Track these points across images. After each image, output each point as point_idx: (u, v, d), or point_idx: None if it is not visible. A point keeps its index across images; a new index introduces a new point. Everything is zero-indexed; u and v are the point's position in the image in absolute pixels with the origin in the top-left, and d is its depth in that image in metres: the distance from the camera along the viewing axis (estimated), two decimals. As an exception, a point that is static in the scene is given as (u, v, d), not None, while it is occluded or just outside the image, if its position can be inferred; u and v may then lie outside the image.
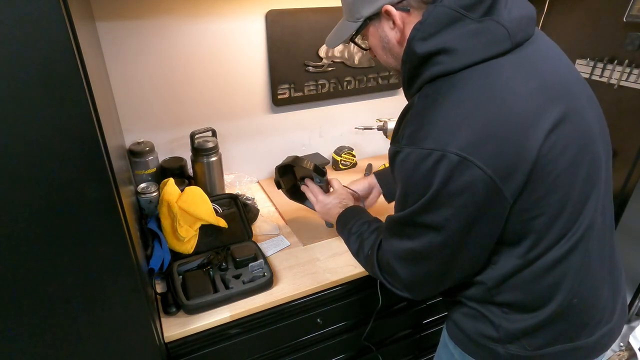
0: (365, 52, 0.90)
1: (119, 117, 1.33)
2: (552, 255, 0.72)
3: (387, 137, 1.53)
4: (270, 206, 1.48)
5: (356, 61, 1.60)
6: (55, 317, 0.72)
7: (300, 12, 1.42)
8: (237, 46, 1.40)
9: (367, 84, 1.67)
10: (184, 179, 1.39)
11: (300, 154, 1.64)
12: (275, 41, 1.43)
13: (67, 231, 0.66)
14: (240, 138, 1.56)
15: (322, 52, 1.52)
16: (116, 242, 0.72)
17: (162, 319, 1.00)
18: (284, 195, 1.32)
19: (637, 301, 1.87)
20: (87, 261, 0.70)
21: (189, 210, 1.18)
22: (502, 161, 0.63)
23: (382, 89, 1.72)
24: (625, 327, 1.88)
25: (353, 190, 1.23)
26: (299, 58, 1.50)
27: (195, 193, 1.23)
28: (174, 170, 1.39)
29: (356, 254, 0.96)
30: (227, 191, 1.48)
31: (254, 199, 1.42)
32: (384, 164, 1.69)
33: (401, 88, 0.80)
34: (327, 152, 1.74)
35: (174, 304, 1.01)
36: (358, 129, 1.55)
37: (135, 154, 1.31)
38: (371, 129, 1.53)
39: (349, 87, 1.64)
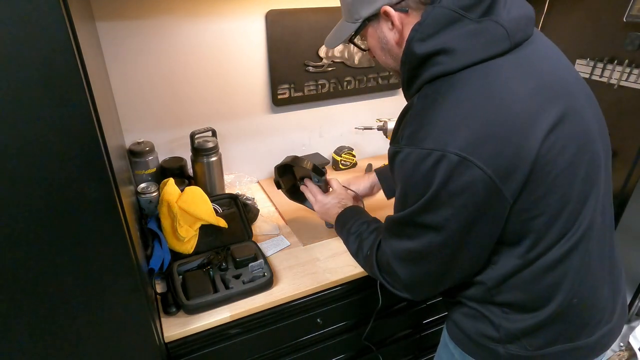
0: (364, 52, 0.90)
1: (119, 117, 1.33)
2: (552, 255, 0.72)
3: (387, 137, 1.53)
4: (270, 206, 1.48)
5: (356, 61, 1.60)
6: (55, 317, 0.72)
7: (300, 12, 1.42)
8: (237, 46, 1.40)
9: (367, 84, 1.67)
10: (184, 179, 1.39)
11: (300, 154, 1.64)
12: (275, 41, 1.43)
13: (67, 231, 0.66)
14: (240, 138, 1.56)
15: (322, 52, 1.52)
16: (116, 242, 0.72)
17: (162, 319, 1.01)
18: (284, 195, 1.32)
19: (637, 301, 1.87)
20: (87, 261, 0.70)
21: (189, 210, 1.18)
22: (502, 161, 0.63)
23: (382, 89, 1.72)
24: (625, 327, 1.88)
25: (352, 191, 1.23)
26: (299, 58, 1.50)
27: (195, 193, 1.23)
28: (174, 170, 1.39)
29: (355, 254, 0.96)
30: (227, 191, 1.48)
31: (254, 199, 1.43)
32: (384, 164, 1.69)
33: (401, 88, 0.80)
34: (327, 152, 1.74)
35: (174, 304, 1.01)
36: (358, 129, 1.55)
37: (135, 154, 1.31)
38: (371, 129, 1.53)
39: (349, 87, 1.64)
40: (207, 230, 1.21)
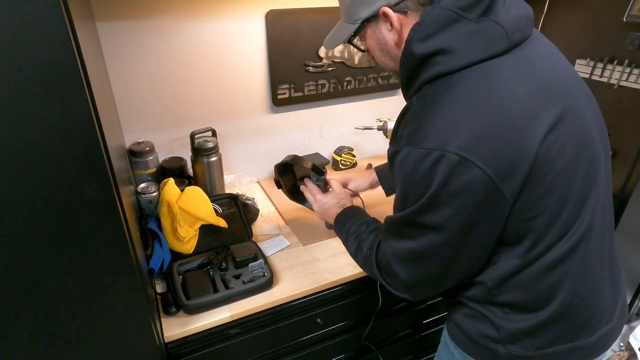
0: (364, 53, 0.90)
1: (119, 117, 1.33)
2: (553, 255, 0.72)
3: (387, 137, 1.53)
4: (270, 206, 1.48)
5: (356, 61, 1.60)
6: (55, 317, 0.72)
7: (300, 12, 1.42)
8: (237, 46, 1.40)
9: (367, 84, 1.67)
10: (184, 179, 1.39)
11: (300, 154, 1.64)
12: (275, 41, 1.43)
13: (67, 231, 0.66)
14: (240, 138, 1.56)
15: (322, 52, 1.52)
16: (116, 242, 0.72)
17: (162, 319, 1.01)
18: (284, 195, 1.32)
19: (637, 301, 1.87)
20: (87, 261, 0.70)
21: (189, 210, 1.18)
22: (501, 161, 0.63)
23: (382, 89, 1.72)
24: (625, 327, 1.88)
25: (352, 191, 1.23)
26: (299, 58, 1.50)
27: (195, 193, 1.23)
28: (174, 170, 1.39)
29: (354, 254, 0.96)
30: (227, 191, 1.48)
31: (254, 199, 1.43)
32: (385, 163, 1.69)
33: (400, 89, 0.80)
34: (327, 152, 1.74)
35: (174, 304, 1.01)
36: (358, 129, 1.55)
37: (135, 154, 1.31)
38: (371, 129, 1.53)
39: (349, 87, 1.64)
40: (207, 230, 1.21)
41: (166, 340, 0.97)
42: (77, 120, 0.59)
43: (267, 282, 1.08)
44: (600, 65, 1.48)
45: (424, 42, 0.67)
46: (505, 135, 0.63)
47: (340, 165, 1.71)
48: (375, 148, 1.86)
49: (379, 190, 1.31)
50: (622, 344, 1.83)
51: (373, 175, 1.30)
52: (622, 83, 1.44)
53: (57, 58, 0.55)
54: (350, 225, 1.00)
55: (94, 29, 1.13)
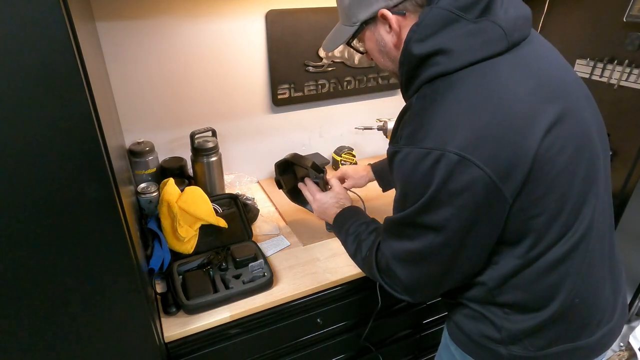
0: (362, 55, 0.91)
1: (119, 117, 1.33)
2: (553, 255, 0.72)
3: (387, 137, 1.53)
4: (270, 206, 1.48)
5: (356, 61, 1.60)
6: (55, 317, 0.72)
7: (300, 12, 1.42)
8: (237, 46, 1.40)
9: (367, 84, 1.67)
10: (184, 179, 1.39)
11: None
12: (275, 41, 1.43)
13: (67, 231, 0.66)
14: (240, 138, 1.56)
15: (322, 52, 1.52)
16: (116, 242, 0.72)
17: (162, 319, 1.01)
18: (285, 195, 1.32)
19: (637, 301, 1.87)
20: (87, 261, 0.70)
21: (189, 210, 1.18)
22: (501, 161, 0.63)
23: (382, 89, 1.72)
24: (625, 327, 1.88)
25: (353, 192, 1.23)
26: (299, 58, 1.50)
27: (195, 193, 1.23)
28: (174, 170, 1.39)
29: (353, 255, 0.96)
30: (227, 191, 1.48)
31: (254, 199, 1.43)
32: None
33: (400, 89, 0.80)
34: (327, 152, 1.75)
35: (174, 304, 1.01)
36: (358, 129, 1.54)
37: (135, 154, 1.31)
38: (371, 129, 1.52)
39: (349, 87, 1.64)
40: (207, 230, 1.21)
41: (166, 340, 0.97)
42: (77, 120, 0.59)
43: (267, 282, 1.08)
44: (600, 65, 1.48)
45: (422, 42, 0.67)
46: (504, 135, 0.63)
47: (340, 165, 1.71)
48: (375, 148, 1.86)
49: (376, 184, 1.33)
50: (622, 344, 1.83)
51: (370, 175, 1.31)
52: (622, 83, 1.44)
53: (57, 58, 0.55)
54: (349, 225, 0.99)
55: (94, 29, 1.13)
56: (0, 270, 0.64)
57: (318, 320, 1.20)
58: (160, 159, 1.41)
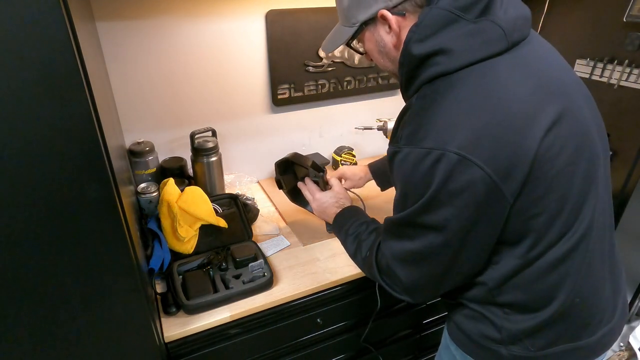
0: (362, 55, 0.91)
1: (119, 117, 1.33)
2: (553, 255, 0.72)
3: (387, 137, 1.53)
4: (270, 206, 1.48)
5: (356, 61, 1.60)
6: (55, 317, 0.72)
7: (300, 12, 1.42)
8: (237, 46, 1.40)
9: (367, 84, 1.67)
10: (184, 179, 1.39)
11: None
12: (275, 41, 1.43)
13: (67, 231, 0.66)
14: (240, 138, 1.56)
15: (322, 52, 1.52)
16: (116, 242, 0.72)
17: (162, 319, 1.00)
18: (285, 195, 1.32)
19: (637, 301, 1.87)
20: (87, 261, 0.70)
21: (189, 210, 1.18)
22: (501, 161, 0.63)
23: (382, 89, 1.72)
24: (625, 327, 1.88)
25: (354, 193, 1.23)
26: (299, 58, 1.50)
27: (195, 193, 1.23)
28: (174, 170, 1.39)
29: (353, 255, 0.96)
30: (227, 191, 1.48)
31: (254, 199, 1.43)
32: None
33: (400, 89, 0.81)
34: (327, 152, 1.74)
35: (174, 304, 1.01)
36: (358, 129, 1.54)
37: (135, 154, 1.31)
38: (371, 129, 1.53)
39: (349, 87, 1.64)
40: (207, 230, 1.21)
41: (166, 340, 0.97)
42: (77, 120, 0.59)
43: (267, 282, 1.08)
44: (600, 65, 1.48)
45: (422, 42, 0.67)
46: (504, 135, 0.63)
47: (340, 165, 1.71)
48: (375, 148, 1.86)
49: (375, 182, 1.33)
50: (622, 344, 1.83)
51: (368, 176, 1.31)
52: (622, 83, 1.44)
53: (57, 58, 0.55)
54: (349, 225, 0.99)
55: (94, 29, 1.13)
56: (0, 270, 0.64)
57: (318, 320, 1.20)
58: (160, 159, 1.41)
